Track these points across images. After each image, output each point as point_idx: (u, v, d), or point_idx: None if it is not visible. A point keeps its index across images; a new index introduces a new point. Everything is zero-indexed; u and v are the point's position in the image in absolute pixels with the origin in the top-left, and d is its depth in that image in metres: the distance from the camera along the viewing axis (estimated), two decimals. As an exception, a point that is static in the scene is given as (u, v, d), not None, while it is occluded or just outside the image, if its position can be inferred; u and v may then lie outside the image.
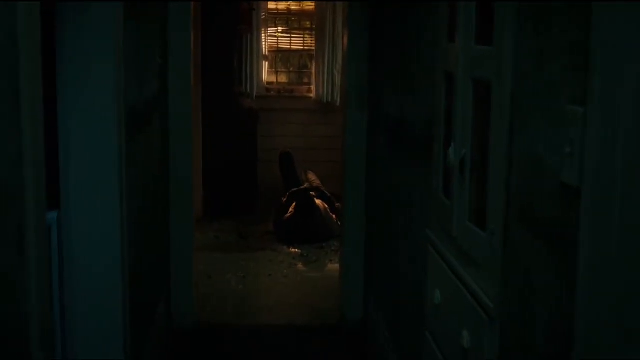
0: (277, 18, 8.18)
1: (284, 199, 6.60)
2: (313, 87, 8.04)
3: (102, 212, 2.71)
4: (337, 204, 6.45)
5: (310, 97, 8.05)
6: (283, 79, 8.40)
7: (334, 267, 5.43)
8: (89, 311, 2.73)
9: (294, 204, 6.29)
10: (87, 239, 2.72)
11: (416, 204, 2.89)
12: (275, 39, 8.21)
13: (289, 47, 8.25)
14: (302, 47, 8.26)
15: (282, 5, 8.12)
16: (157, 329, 3.81)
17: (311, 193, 6.28)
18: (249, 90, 7.62)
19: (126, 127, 2.83)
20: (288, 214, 6.25)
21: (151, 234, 3.75)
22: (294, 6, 8.18)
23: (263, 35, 7.99)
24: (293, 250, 5.86)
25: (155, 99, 3.82)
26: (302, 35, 8.24)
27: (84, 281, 2.72)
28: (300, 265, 5.47)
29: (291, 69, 8.49)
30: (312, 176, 7.02)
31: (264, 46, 8.01)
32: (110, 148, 2.71)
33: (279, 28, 8.21)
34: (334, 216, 6.28)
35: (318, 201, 6.24)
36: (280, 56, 8.37)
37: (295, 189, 6.48)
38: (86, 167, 2.70)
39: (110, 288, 2.75)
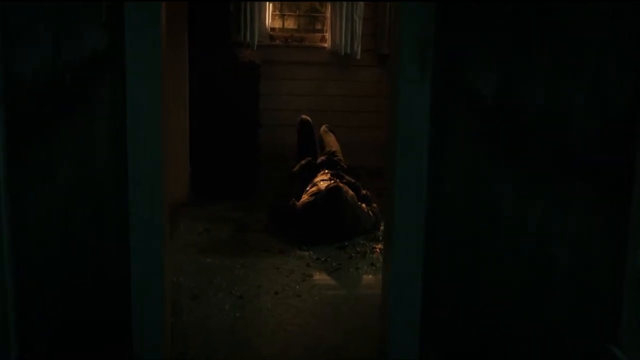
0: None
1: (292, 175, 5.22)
2: (327, 36, 6.66)
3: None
4: (363, 191, 5.08)
5: (324, 48, 6.71)
6: (290, 24, 7.07)
7: (362, 279, 4.09)
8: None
9: (310, 189, 4.91)
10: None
11: (579, 279, 1.54)
12: (282, -26, 6.80)
13: (298, -15, 6.84)
14: (314, -15, 6.86)
15: None
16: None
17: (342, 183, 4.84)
18: (248, 39, 6.25)
19: (15, 113, 1.50)
20: (300, 203, 4.85)
21: (91, 246, 2.45)
22: None
23: (266, -31, 6.54)
24: (305, 252, 4.50)
25: (98, 60, 2.42)
26: (314, -30, 6.84)
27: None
28: (317, 277, 4.12)
29: (300, 13, 7.11)
30: (331, 139, 5.59)
31: (267, -16, 6.58)
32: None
33: (286, -39, 6.78)
34: (363, 205, 4.91)
35: (344, 187, 4.84)
36: (287, -4, 6.97)
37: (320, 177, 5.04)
38: None
39: None
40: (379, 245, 4.58)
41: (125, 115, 2.68)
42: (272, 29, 6.90)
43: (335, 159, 5.36)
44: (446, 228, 2.59)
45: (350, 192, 4.88)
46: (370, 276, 4.12)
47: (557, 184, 1.75)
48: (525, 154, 1.95)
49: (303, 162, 5.28)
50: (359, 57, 6.57)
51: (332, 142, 5.62)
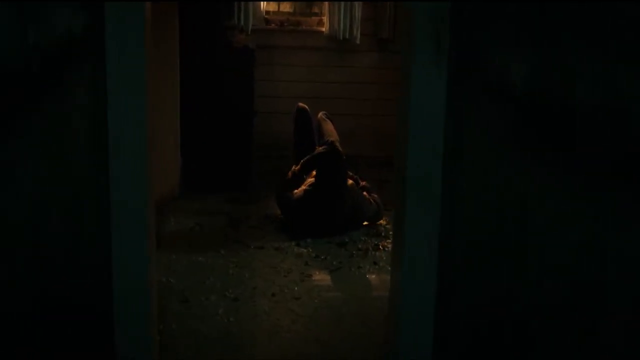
0: None
1: (294, 168, 4.95)
2: (325, 19, 6.34)
3: None
4: (362, 182, 4.84)
5: (322, 32, 6.39)
6: (286, 7, 6.76)
7: (364, 280, 3.83)
8: None
9: (308, 181, 4.65)
10: None
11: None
12: (277, -45, 6.49)
13: (294, -34, 6.54)
14: (311, -33, 6.56)
15: None
16: None
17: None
18: (242, 23, 5.94)
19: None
20: (298, 192, 4.60)
21: (67, 252, 2.19)
22: None
23: (261, -51, 6.24)
24: (303, 249, 4.24)
25: (74, 44, 2.15)
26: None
27: None
28: (316, 277, 3.86)
29: (296, -4, 6.80)
30: (330, 128, 5.30)
31: (262, -35, 6.28)
32: None
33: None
34: (364, 193, 4.67)
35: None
36: (282, -22, 6.66)
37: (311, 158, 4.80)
38: None
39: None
40: (383, 243, 4.32)
41: (107, 107, 2.41)
42: (267, 12, 6.61)
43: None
44: (466, 239, 2.32)
45: (350, 180, 4.64)
46: (374, 276, 3.86)
47: (612, 192, 1.48)
48: (570, 155, 1.69)
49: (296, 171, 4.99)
50: (358, 41, 6.29)
51: (330, 131, 5.33)
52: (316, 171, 4.61)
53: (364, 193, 4.68)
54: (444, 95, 2.39)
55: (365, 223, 4.62)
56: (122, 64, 2.39)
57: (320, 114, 5.35)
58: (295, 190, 4.65)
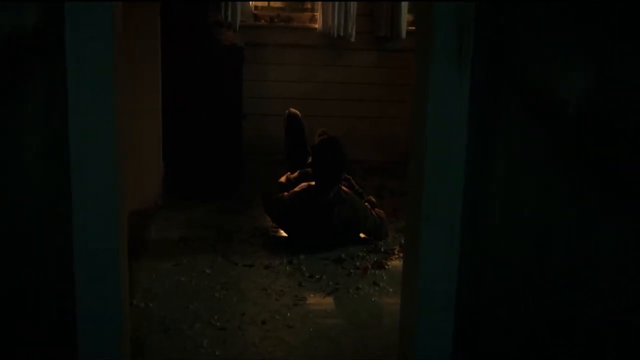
0: None
1: (289, 175, 4.61)
2: (318, 15, 5.98)
3: None
4: (367, 196, 4.49)
5: (315, 29, 6.02)
6: (277, 3, 6.41)
7: (364, 303, 3.47)
8: None
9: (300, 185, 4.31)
10: None
11: None
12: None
13: (284, -42, 6.19)
14: (302, -41, 6.21)
15: None
16: None
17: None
18: (230, 19, 5.58)
19: None
20: (287, 195, 4.26)
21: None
22: None
23: (250, -60, 5.88)
24: (296, 267, 3.87)
25: (24, 41, 1.79)
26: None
27: None
28: (310, 300, 3.49)
29: (287, -10, 6.46)
30: None
31: (251, -44, 5.92)
32: None
33: None
34: (366, 204, 4.32)
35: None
36: (272, -29, 6.30)
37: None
38: None
39: None
40: (382, 260, 3.96)
41: (67, 115, 2.04)
42: (256, 8, 6.24)
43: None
44: (492, 275, 1.97)
45: (350, 191, 4.29)
46: (374, 299, 3.50)
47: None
48: (626, 182, 1.34)
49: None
50: (353, 39, 5.93)
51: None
52: (313, 163, 4.25)
53: (366, 204, 4.32)
54: (466, 106, 2.03)
55: (362, 235, 4.26)
56: (85, 64, 2.02)
57: (319, 132, 4.99)
58: (286, 193, 4.30)
